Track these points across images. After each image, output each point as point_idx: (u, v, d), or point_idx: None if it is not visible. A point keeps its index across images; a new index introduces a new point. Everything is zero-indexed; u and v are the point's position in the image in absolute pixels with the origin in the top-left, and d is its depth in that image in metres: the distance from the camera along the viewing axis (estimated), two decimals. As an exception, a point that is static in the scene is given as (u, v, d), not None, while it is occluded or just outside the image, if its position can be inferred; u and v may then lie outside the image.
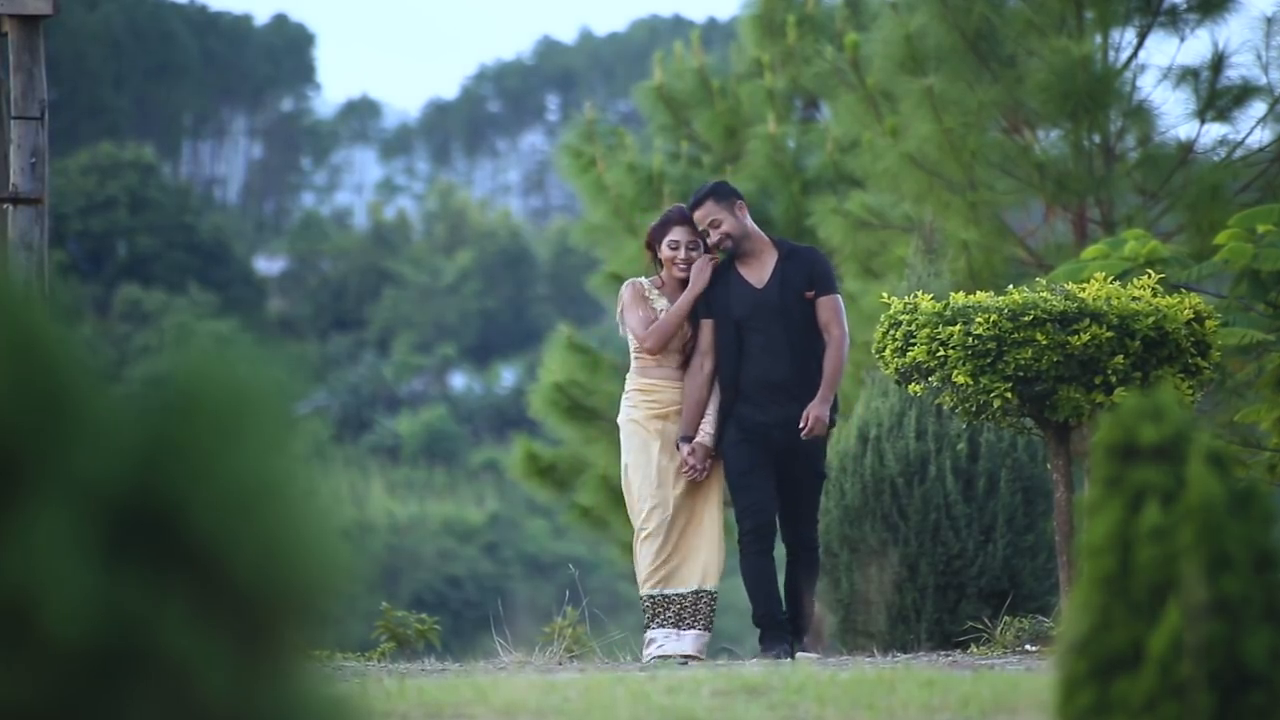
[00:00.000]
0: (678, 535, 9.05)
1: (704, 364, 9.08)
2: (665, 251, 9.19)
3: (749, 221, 9.12)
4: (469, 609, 50.23)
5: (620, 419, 9.26)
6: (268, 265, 77.61)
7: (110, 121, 76.69)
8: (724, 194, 9.12)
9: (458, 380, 73.20)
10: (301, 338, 69.12)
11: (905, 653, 8.97)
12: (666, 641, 8.99)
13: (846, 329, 9.03)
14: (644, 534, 9.06)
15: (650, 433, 9.10)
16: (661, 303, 9.20)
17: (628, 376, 9.33)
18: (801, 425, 8.85)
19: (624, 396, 9.29)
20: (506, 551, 57.93)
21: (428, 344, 72.19)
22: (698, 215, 9.08)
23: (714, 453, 9.07)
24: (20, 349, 1.98)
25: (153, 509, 2.00)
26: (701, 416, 9.07)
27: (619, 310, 9.32)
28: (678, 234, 9.16)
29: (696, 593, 9.03)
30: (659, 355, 9.15)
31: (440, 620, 10.51)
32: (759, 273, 9.06)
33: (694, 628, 9.02)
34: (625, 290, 9.30)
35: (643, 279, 9.34)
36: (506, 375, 70.67)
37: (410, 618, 10.21)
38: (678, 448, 9.06)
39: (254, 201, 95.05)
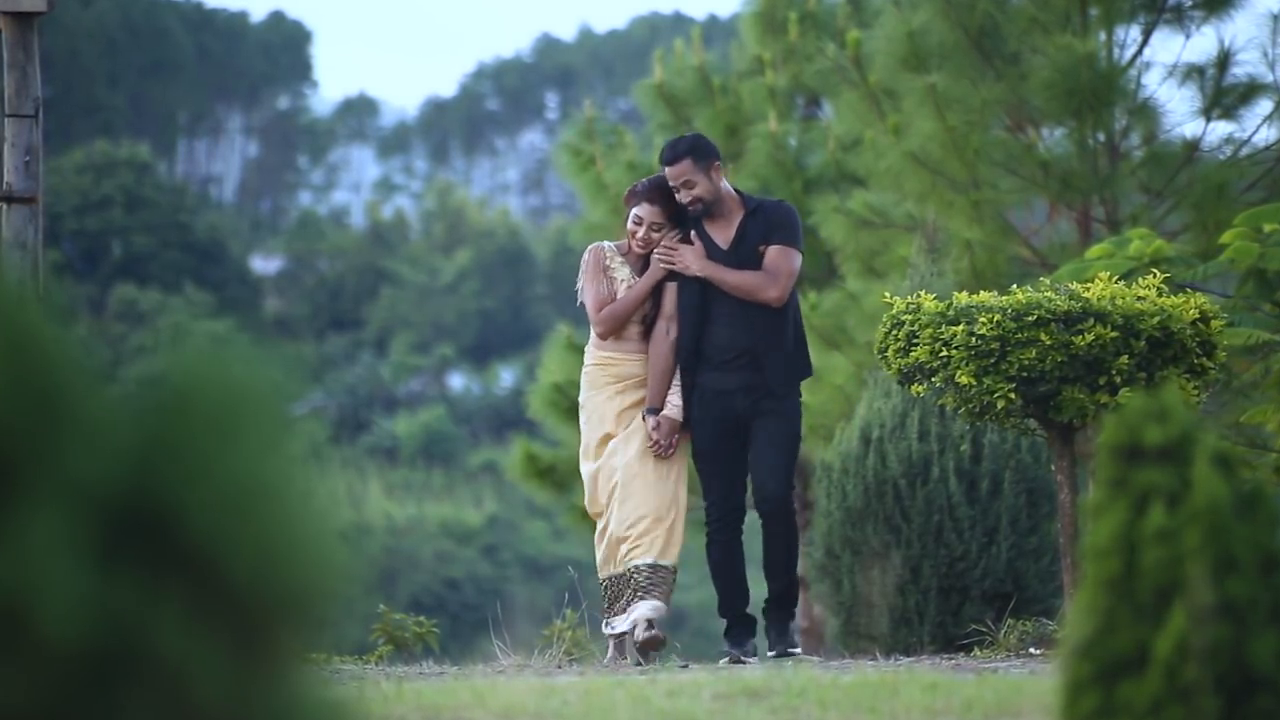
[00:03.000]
0: (631, 508, 8.64)
1: (670, 329, 8.75)
2: (629, 224, 8.86)
3: (723, 183, 8.81)
4: (467, 611, 50.24)
5: (580, 398, 8.91)
6: (264, 265, 77.70)
7: (105, 120, 76.75)
8: (702, 154, 8.75)
9: (456, 381, 73.27)
10: (298, 338, 69.18)
11: (908, 656, 8.93)
12: (617, 620, 8.67)
13: (784, 287, 8.63)
14: (601, 525, 8.78)
15: (608, 412, 8.75)
16: (624, 271, 8.84)
17: (586, 349, 8.97)
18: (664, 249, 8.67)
19: (583, 372, 8.92)
20: (505, 553, 57.97)
21: (426, 344, 72.25)
22: (671, 171, 8.74)
23: (681, 426, 8.70)
24: (15, 349, 1.97)
25: (148, 510, 1.99)
26: (668, 386, 8.72)
27: (580, 277, 8.95)
28: (642, 211, 8.80)
29: (653, 567, 8.64)
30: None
31: (438, 623, 10.45)
32: (725, 232, 8.77)
33: (647, 598, 8.65)
34: (587, 256, 8.92)
35: (607, 244, 8.98)
36: (505, 376, 70.74)
37: (408, 620, 10.16)
38: (644, 419, 8.71)
39: (250, 200, 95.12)
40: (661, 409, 8.71)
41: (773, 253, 8.70)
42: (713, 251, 8.74)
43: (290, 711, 2.03)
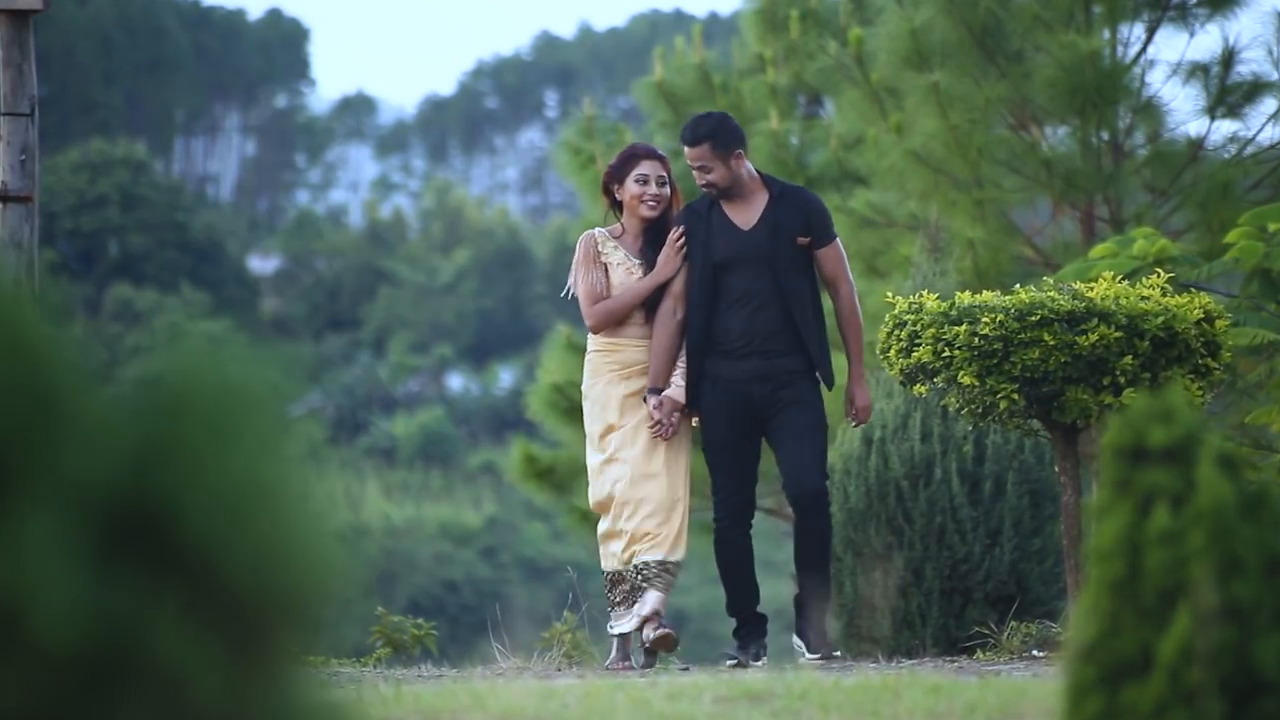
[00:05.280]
0: (639, 502, 8.45)
1: (676, 310, 8.52)
2: (632, 188, 8.63)
3: (744, 168, 8.59)
4: (466, 614, 50.22)
5: (584, 385, 8.68)
6: (261, 264, 77.75)
7: (101, 118, 76.77)
8: (722, 142, 8.51)
9: (454, 381, 73.30)
10: (296, 338, 69.21)
11: (910, 658, 8.91)
12: (621, 622, 8.51)
13: (851, 277, 8.76)
14: (606, 526, 8.58)
15: (611, 399, 8.53)
16: (619, 254, 8.61)
17: (589, 336, 8.73)
18: (850, 415, 8.68)
19: (586, 360, 8.69)
20: (504, 555, 57.95)
21: (424, 344, 72.28)
22: (689, 153, 8.55)
23: (683, 408, 8.48)
24: (10, 349, 1.96)
25: (144, 511, 1.97)
26: (671, 367, 8.49)
27: (572, 268, 8.73)
28: (646, 168, 8.60)
29: (662, 563, 8.45)
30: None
31: (437, 625, 10.42)
32: (746, 214, 8.58)
33: (649, 589, 8.45)
34: (579, 248, 8.68)
35: (597, 230, 8.75)
36: (504, 376, 70.75)
37: (406, 622, 10.13)
38: (645, 401, 8.49)
39: (247, 199, 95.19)
40: (664, 390, 8.49)
41: (833, 256, 8.66)
42: (732, 232, 8.56)
43: (287, 714, 2.02)
